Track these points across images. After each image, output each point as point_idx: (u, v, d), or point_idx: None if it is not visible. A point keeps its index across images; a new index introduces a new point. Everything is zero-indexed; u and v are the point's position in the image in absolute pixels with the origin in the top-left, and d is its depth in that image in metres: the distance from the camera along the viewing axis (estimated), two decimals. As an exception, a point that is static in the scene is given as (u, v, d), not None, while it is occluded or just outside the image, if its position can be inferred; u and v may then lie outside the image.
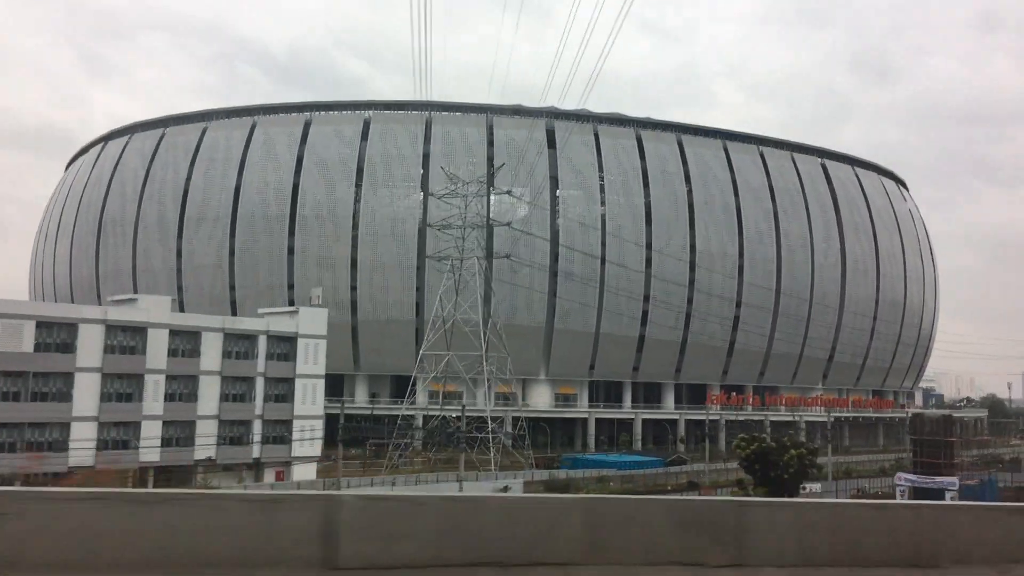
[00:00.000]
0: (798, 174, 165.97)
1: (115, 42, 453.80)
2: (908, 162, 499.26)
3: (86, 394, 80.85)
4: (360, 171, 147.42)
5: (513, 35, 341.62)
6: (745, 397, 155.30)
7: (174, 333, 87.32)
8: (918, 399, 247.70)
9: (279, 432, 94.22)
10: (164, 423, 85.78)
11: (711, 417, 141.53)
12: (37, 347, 78.83)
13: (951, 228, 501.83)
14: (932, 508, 11.18)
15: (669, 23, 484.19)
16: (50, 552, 7.90)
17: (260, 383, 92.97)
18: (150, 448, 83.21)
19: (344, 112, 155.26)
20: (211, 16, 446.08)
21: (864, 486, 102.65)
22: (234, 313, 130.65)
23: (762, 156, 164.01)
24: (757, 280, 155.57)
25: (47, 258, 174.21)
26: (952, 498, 73.85)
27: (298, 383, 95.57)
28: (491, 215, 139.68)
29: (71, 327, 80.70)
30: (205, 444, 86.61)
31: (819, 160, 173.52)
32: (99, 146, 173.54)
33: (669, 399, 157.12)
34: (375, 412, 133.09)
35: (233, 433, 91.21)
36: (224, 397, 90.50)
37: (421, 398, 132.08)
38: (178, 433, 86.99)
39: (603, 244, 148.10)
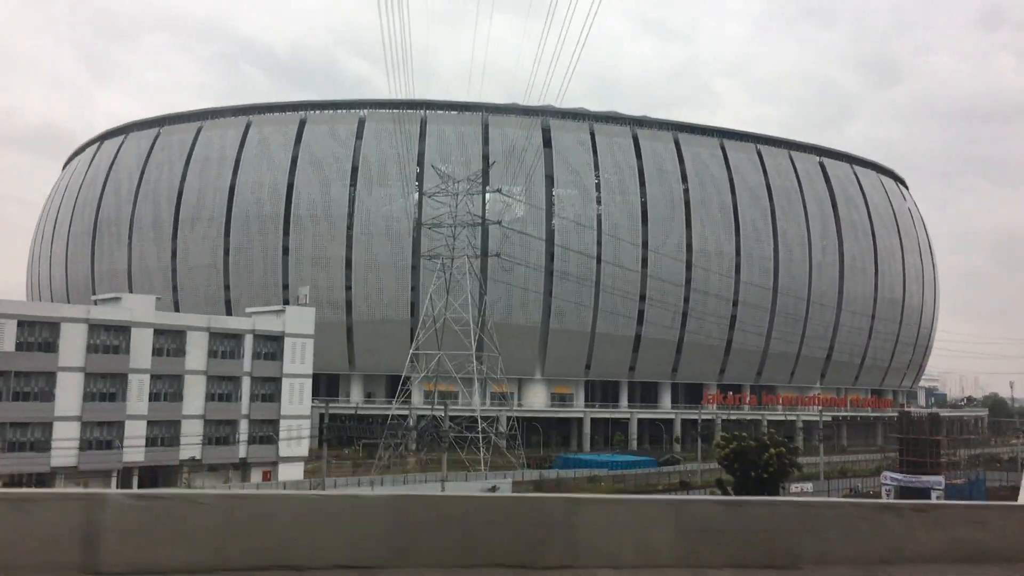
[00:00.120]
0: (796, 172, 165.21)
1: (118, 42, 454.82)
2: (911, 161, 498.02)
3: (69, 394, 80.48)
4: (355, 170, 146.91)
5: (504, 33, 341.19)
6: (742, 396, 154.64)
7: (159, 332, 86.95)
8: (920, 398, 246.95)
9: (266, 432, 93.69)
10: (149, 423, 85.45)
11: (707, 416, 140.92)
12: (19, 346, 78.53)
13: (955, 227, 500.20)
14: (792, 505, 10.59)
15: (671, 23, 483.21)
16: None
17: (246, 382, 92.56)
18: (134, 448, 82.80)
19: (339, 111, 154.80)
20: (212, 16, 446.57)
21: (857, 485, 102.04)
22: (229, 313, 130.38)
23: (759, 154, 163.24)
24: (754, 279, 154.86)
25: (43, 258, 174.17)
26: (938, 497, 73.20)
27: (285, 382, 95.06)
28: (486, 214, 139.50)
29: (53, 326, 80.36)
30: (190, 444, 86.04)
31: (817, 158, 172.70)
32: (95, 146, 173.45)
33: (666, 399, 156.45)
34: (359, 411, 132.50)
35: (219, 433, 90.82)
36: (210, 397, 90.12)
37: (417, 398, 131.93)
38: (163, 433, 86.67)
39: (599, 243, 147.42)
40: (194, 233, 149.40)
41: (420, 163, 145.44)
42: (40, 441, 79.13)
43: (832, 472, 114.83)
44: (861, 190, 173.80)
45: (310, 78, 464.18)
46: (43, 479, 77.43)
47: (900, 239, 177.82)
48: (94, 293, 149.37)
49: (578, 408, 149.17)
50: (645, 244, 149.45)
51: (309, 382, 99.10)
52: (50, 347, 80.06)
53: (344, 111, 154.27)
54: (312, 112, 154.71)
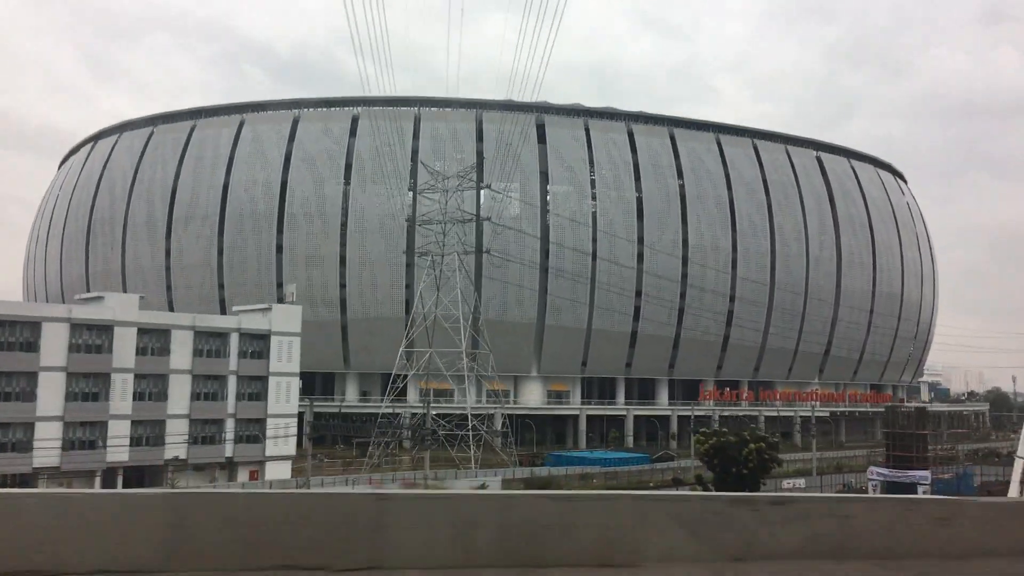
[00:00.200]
0: (792, 167, 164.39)
1: (118, 43, 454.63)
2: (913, 158, 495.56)
3: (50, 393, 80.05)
4: (348, 168, 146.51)
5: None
6: (739, 393, 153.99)
7: (143, 331, 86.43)
8: (924, 393, 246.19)
9: (253, 431, 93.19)
10: (133, 422, 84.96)
11: (702, 413, 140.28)
12: (0, 346, 78.12)
13: (958, 223, 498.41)
14: (631, 499, 9.89)
15: (672, 20, 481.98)
16: None
17: (232, 381, 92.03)
18: (118, 448, 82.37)
19: (333, 109, 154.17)
20: (213, 16, 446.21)
21: (851, 481, 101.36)
22: (223, 312, 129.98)
23: (755, 149, 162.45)
24: (751, 274, 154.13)
25: (39, 258, 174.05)
26: (924, 492, 72.54)
27: (272, 381, 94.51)
28: (480, 211, 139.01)
29: (34, 325, 79.95)
30: (175, 443, 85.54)
31: (814, 153, 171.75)
32: (89, 145, 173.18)
33: (663, 395, 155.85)
34: (342, 410, 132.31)
35: (205, 432, 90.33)
36: (195, 396, 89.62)
37: (413, 396, 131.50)
38: (147, 432, 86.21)
39: (594, 239, 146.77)
40: (188, 232, 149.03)
41: (414, 160, 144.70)
42: (22, 442, 78.73)
43: (829, 467, 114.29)
44: (859, 184, 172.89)
45: (311, 78, 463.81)
46: (25, 480, 76.94)
47: (898, 233, 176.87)
48: (88, 293, 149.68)
49: (573, 405, 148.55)
50: (641, 240, 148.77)
51: (296, 380, 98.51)
52: (31, 347, 79.64)
53: (338, 108, 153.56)
54: (305, 110, 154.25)
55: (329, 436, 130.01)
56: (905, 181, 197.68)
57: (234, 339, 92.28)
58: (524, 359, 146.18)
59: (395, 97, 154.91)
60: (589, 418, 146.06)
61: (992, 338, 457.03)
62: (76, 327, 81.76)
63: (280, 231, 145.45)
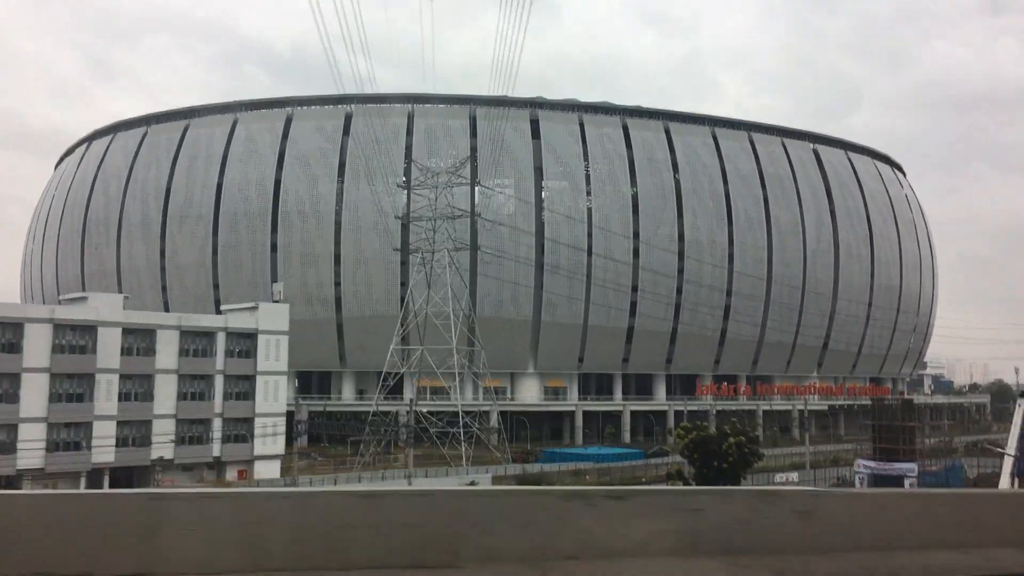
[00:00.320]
0: (789, 160, 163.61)
1: (119, 43, 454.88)
2: (917, 150, 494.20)
3: (34, 395, 79.83)
4: (342, 166, 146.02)
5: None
6: (736, 387, 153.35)
7: (128, 331, 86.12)
8: (927, 386, 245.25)
9: (241, 430, 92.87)
10: (118, 423, 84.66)
11: (698, 408, 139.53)
12: (-19, 347, 77.97)
13: (962, 215, 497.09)
14: (450, 495, 9.27)
15: (673, 15, 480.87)
16: None
17: (219, 381, 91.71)
18: (104, 448, 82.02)
19: (326, 107, 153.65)
20: (213, 16, 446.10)
21: (844, 474, 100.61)
22: (218, 312, 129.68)
23: (751, 142, 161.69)
24: (748, 268, 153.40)
25: (35, 258, 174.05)
26: (911, 484, 71.87)
27: (259, 380, 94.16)
28: (474, 207, 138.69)
29: (16, 326, 79.70)
30: (161, 443, 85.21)
31: (810, 145, 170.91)
32: (84, 146, 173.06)
33: (661, 390, 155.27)
34: (327, 408, 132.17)
35: (192, 432, 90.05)
36: (182, 396, 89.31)
37: (409, 393, 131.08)
38: (134, 433, 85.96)
39: (589, 235, 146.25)
40: (182, 232, 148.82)
41: (408, 157, 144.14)
42: (5, 443, 78.49)
43: (825, 461, 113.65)
44: (856, 177, 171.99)
45: (313, 77, 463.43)
46: (10, 481, 76.68)
47: (896, 225, 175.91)
48: (84, 293, 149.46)
49: (569, 401, 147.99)
50: (636, 235, 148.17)
51: (284, 379, 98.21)
52: (14, 348, 79.40)
53: (331, 106, 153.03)
54: (299, 108, 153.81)
55: (326, 435, 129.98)
56: (903, 173, 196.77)
57: (221, 338, 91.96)
58: (520, 356, 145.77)
59: (388, 94, 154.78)
60: (586, 414, 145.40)
61: (996, 329, 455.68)
62: (59, 328, 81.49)
63: (274, 230, 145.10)
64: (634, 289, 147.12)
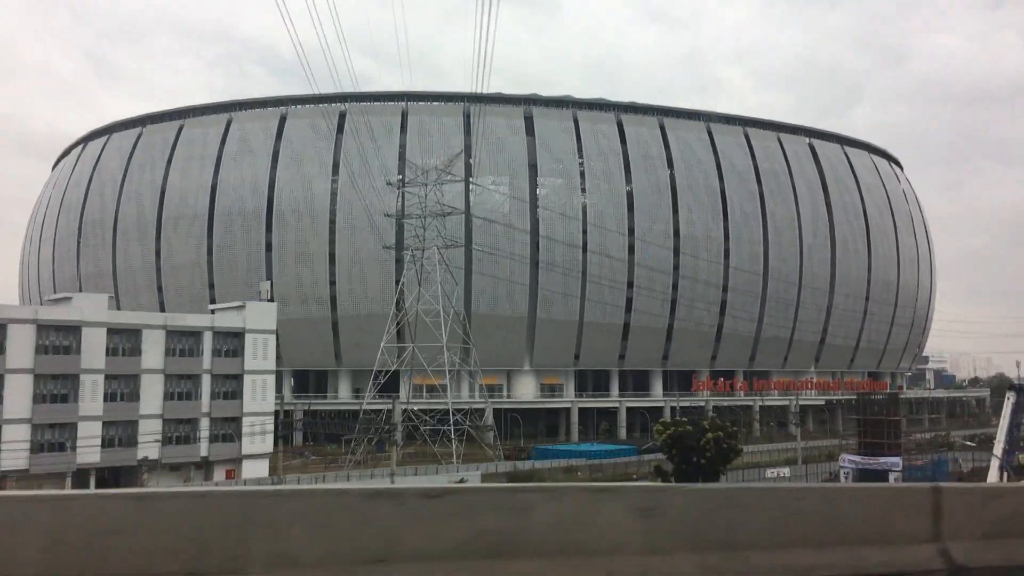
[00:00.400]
0: (784, 155, 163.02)
1: (122, 46, 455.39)
2: (919, 144, 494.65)
3: (18, 396, 79.71)
4: (336, 164, 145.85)
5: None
6: (733, 383, 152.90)
7: (113, 332, 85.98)
8: (929, 380, 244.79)
9: (228, 429, 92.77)
10: (104, 423, 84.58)
11: (688, 404, 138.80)
12: (-36, 348, 77.94)
13: (965, 209, 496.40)
14: (232, 496, 8.93)
15: (673, 10, 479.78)
16: None
17: (206, 380, 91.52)
18: (89, 449, 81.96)
19: (320, 105, 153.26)
20: (216, 18, 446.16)
21: (838, 469, 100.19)
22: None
23: (747, 137, 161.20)
24: (744, 264, 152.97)
25: (32, 260, 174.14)
26: (896, 478, 71.50)
27: (247, 379, 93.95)
28: (468, 204, 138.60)
29: (-1, 328, 79.66)
30: (148, 443, 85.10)
31: (806, 140, 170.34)
32: (80, 147, 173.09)
33: (658, 387, 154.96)
34: (311, 407, 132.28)
35: (179, 432, 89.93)
36: (169, 395, 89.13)
37: (405, 392, 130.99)
38: (120, 433, 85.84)
39: (584, 231, 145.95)
40: (177, 232, 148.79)
41: (401, 155, 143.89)
42: (-11, 445, 78.41)
43: (821, 456, 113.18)
44: (852, 171, 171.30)
45: (316, 76, 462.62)
46: (-6, 483, 76.75)
47: (893, 219, 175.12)
48: (80, 294, 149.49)
49: (564, 398, 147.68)
50: (631, 231, 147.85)
51: (272, 378, 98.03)
52: (-3, 349, 79.41)
53: (325, 105, 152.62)
54: (293, 107, 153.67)
55: (323, 433, 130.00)
56: (901, 167, 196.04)
57: (207, 337, 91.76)
58: (516, 353, 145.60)
59: (382, 92, 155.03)
60: (582, 411, 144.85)
61: (1000, 323, 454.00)
62: (43, 328, 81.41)
63: (269, 229, 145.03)
64: (630, 285, 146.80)
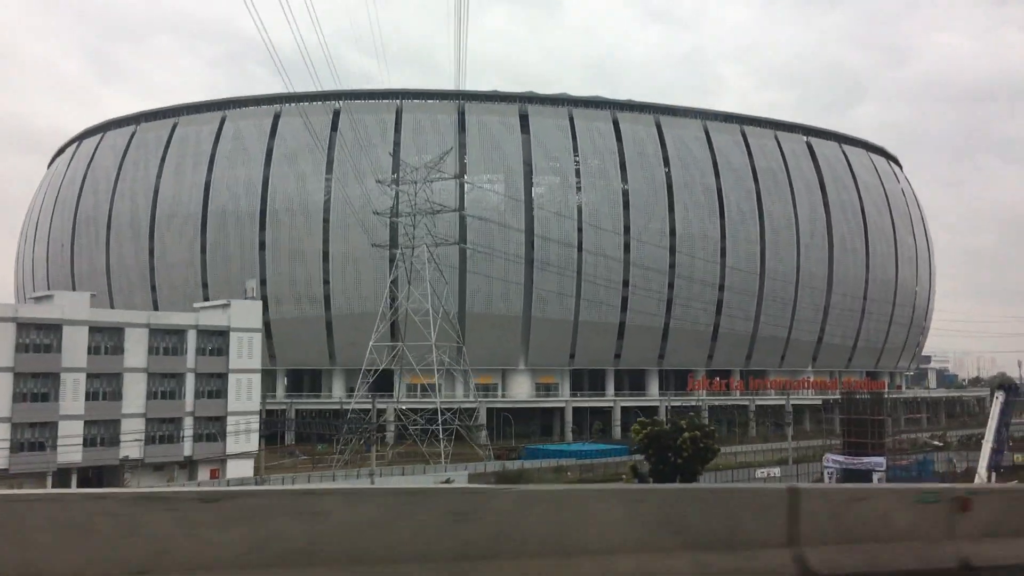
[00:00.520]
0: (781, 153, 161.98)
1: (124, 45, 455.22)
2: (922, 142, 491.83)
3: (-2, 395, 79.15)
4: (330, 162, 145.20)
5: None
6: (729, 382, 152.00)
7: (95, 330, 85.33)
8: (931, 380, 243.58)
9: (213, 429, 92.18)
10: (86, 423, 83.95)
11: (679, 404, 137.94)
12: (-58, 346, 77.41)
13: (968, 207, 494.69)
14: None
15: (676, 10, 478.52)
16: None
17: (191, 379, 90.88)
18: (70, 448, 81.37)
19: (314, 103, 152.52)
20: (217, 17, 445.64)
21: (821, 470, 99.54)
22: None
23: (744, 135, 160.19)
24: (740, 262, 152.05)
25: (27, 258, 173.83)
26: (879, 479, 70.80)
27: (232, 378, 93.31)
28: (459, 202, 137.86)
29: (-23, 326, 79.08)
30: (130, 442, 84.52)
31: (804, 138, 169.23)
32: (75, 145, 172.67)
33: (654, 386, 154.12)
34: (293, 406, 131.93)
35: (163, 431, 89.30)
36: (152, 394, 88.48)
37: (400, 391, 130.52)
38: (102, 432, 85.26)
39: (579, 230, 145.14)
40: (171, 231, 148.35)
41: (396, 153, 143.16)
42: (-33, 444, 77.93)
43: (816, 455, 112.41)
44: (850, 169, 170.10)
45: (318, 75, 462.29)
46: (-26, 482, 76.19)
47: (892, 218, 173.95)
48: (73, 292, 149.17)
49: (559, 398, 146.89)
50: (627, 230, 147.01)
51: (258, 377, 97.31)
52: (-24, 348, 78.86)
53: (319, 103, 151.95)
54: (287, 105, 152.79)
55: (314, 434, 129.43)
56: (900, 165, 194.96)
57: (191, 336, 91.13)
58: (511, 352, 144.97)
59: (376, 90, 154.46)
60: (578, 411, 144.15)
61: (1006, 322, 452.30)
62: (24, 326, 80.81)
63: (263, 228, 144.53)
64: (625, 284, 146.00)
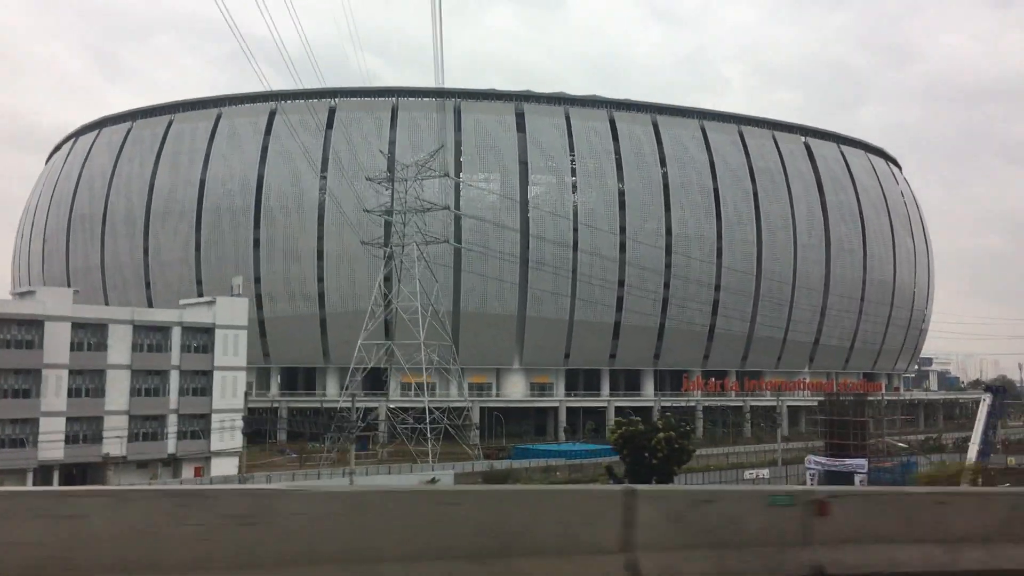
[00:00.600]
0: (779, 153, 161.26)
1: (128, 44, 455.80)
2: (926, 142, 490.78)
3: (-25, 391, 78.88)
4: (325, 161, 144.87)
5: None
6: (724, 383, 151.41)
7: (78, 326, 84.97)
8: (932, 382, 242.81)
9: (197, 426, 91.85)
10: (68, 419, 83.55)
11: (670, 404, 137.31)
12: (-81, 343, 77.19)
13: (972, 208, 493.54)
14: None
15: (680, 10, 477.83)
16: None
17: (175, 376, 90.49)
18: (52, 445, 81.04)
19: (310, 101, 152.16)
20: (219, 16, 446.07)
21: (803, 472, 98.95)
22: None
23: (741, 135, 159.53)
24: (736, 263, 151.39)
25: (23, 254, 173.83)
26: (861, 481, 70.21)
27: (217, 375, 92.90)
28: (453, 200, 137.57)
29: (-45, 322, 78.82)
30: (113, 439, 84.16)
31: (801, 138, 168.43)
32: (71, 141, 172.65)
33: (649, 386, 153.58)
34: (274, 404, 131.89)
35: (146, 428, 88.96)
36: (136, 391, 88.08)
37: (395, 389, 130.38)
38: (84, 429, 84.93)
39: (575, 229, 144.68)
40: (166, 228, 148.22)
41: (391, 151, 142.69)
42: (-53, 440, 77.68)
43: (799, 458, 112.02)
44: (848, 170, 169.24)
45: (322, 75, 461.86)
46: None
47: (890, 219, 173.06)
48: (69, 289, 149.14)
49: (553, 397, 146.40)
50: (623, 229, 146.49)
51: (243, 375, 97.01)
52: (-44, 343, 78.61)
53: (315, 100, 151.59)
54: (282, 102, 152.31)
55: (307, 432, 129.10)
56: (899, 167, 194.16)
57: (176, 333, 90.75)
58: (506, 352, 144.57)
59: (372, 88, 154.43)
60: (572, 410, 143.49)
61: (1010, 324, 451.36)
62: (4, 322, 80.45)
63: (257, 225, 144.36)
64: (621, 284, 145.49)
